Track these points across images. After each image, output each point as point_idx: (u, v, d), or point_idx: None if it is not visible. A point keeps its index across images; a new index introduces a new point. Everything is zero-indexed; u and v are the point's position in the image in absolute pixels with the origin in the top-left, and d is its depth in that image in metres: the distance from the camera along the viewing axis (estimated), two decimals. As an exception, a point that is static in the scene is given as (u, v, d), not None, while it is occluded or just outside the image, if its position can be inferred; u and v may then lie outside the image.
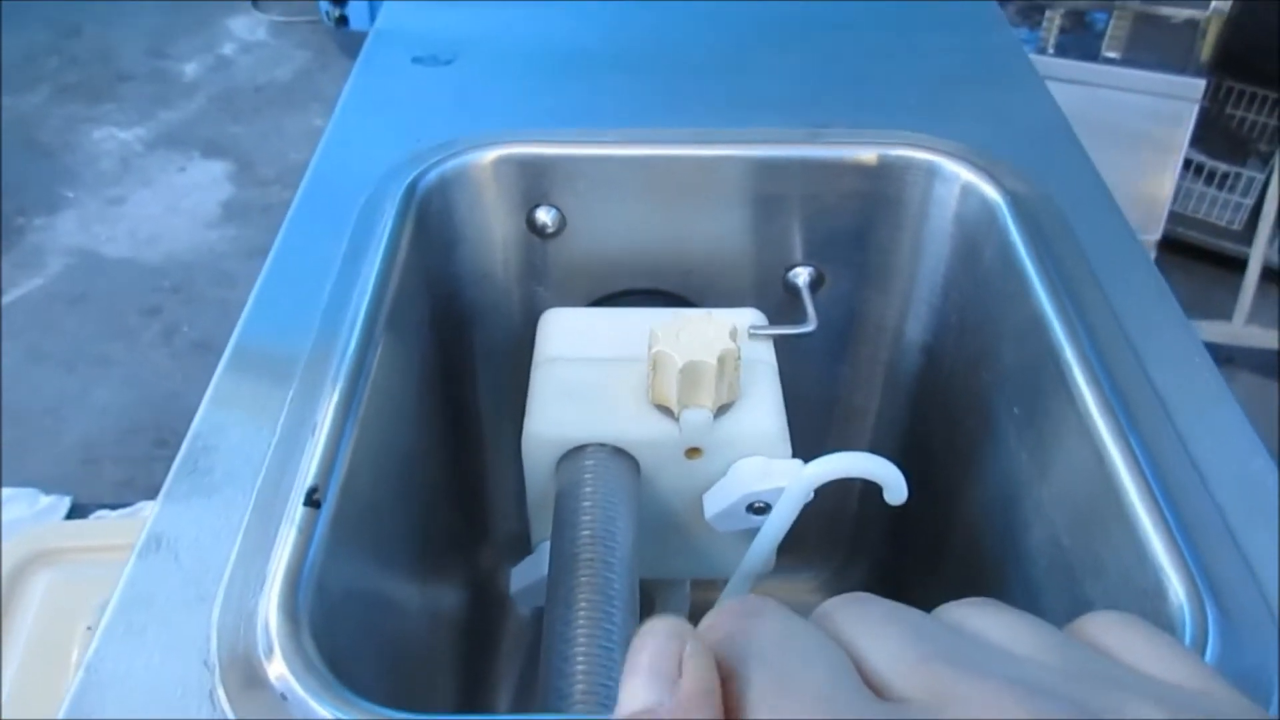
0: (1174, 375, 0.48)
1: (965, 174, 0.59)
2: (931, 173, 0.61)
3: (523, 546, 0.57)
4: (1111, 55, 1.85)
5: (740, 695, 0.19)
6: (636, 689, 0.19)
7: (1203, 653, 0.36)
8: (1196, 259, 2.05)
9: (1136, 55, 1.82)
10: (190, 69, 2.80)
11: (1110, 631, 0.22)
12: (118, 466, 1.67)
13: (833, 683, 0.19)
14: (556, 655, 0.43)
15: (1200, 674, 0.20)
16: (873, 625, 0.21)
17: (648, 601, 0.63)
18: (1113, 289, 0.52)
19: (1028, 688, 0.19)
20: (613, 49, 0.74)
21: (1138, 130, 1.80)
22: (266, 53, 2.89)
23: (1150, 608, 0.39)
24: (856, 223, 0.63)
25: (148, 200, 2.33)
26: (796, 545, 0.74)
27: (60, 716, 0.35)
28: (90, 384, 1.83)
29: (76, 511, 1.39)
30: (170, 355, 1.86)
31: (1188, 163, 1.95)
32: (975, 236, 0.59)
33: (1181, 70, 1.78)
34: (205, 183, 2.39)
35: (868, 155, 0.61)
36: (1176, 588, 0.38)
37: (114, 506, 1.33)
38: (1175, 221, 1.98)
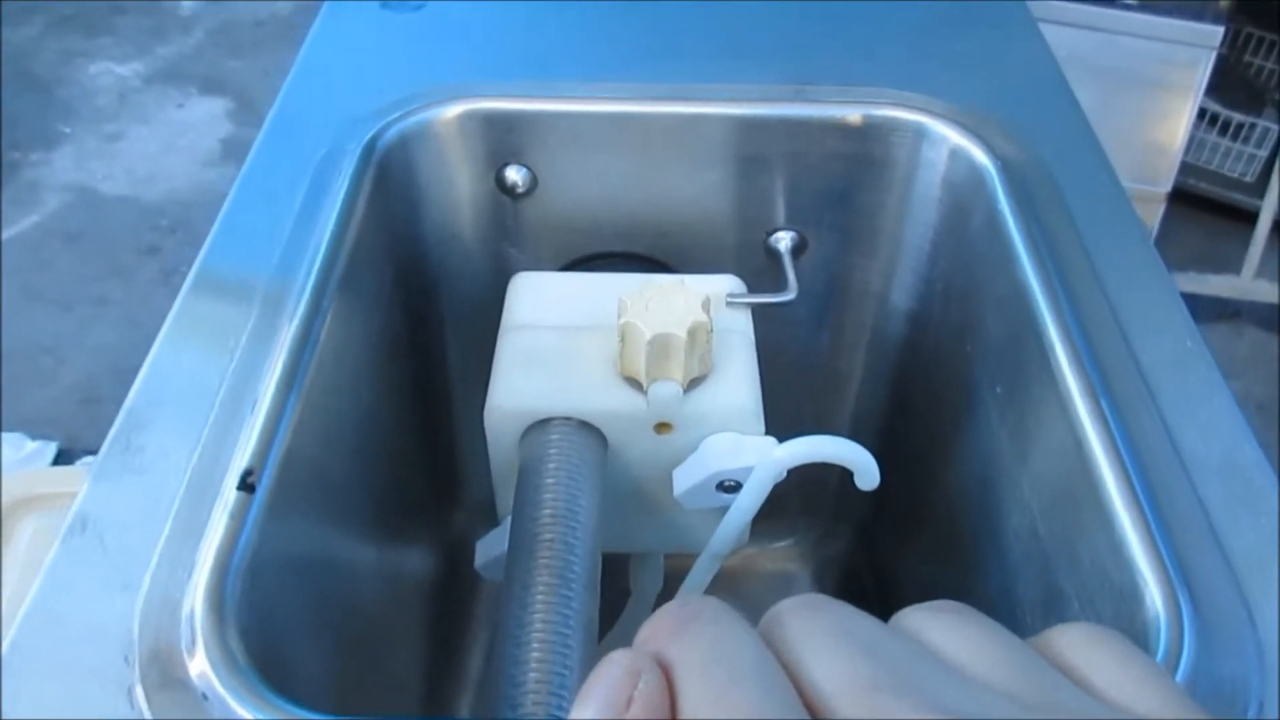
0: (1163, 357, 0.45)
1: (954, 136, 0.56)
2: (919, 134, 0.58)
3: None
4: (1128, 0, 1.80)
5: (683, 708, 0.19)
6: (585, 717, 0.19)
7: (1177, 663, 0.34)
8: (1207, 211, 2.02)
9: (1153, 1, 1.77)
10: (188, 3, 2.75)
11: (1080, 650, 0.20)
12: (115, 407, 1.65)
13: (763, 704, 0.18)
14: (510, 640, 0.42)
15: (1173, 703, 0.19)
16: (820, 639, 0.20)
17: (623, 570, 0.62)
18: (1103, 262, 0.49)
19: None
20: (590, -4, 0.70)
21: (1152, 78, 1.76)
22: (266, -14, 2.84)
23: (1125, 610, 0.37)
24: (841, 185, 0.61)
25: (145, 137, 2.30)
26: (779, 514, 0.73)
27: (-26, 710, 0.34)
28: (87, 323, 1.82)
29: (63, 457, 1.38)
30: (168, 295, 1.82)
31: (1202, 112, 1.90)
32: (963, 202, 0.56)
33: (1199, 16, 1.73)
34: (204, 120, 2.36)
35: (853, 115, 0.58)
36: (1153, 591, 0.36)
37: (101, 453, 1.32)
38: (1187, 173, 1.94)
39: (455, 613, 0.70)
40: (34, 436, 1.41)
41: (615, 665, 0.20)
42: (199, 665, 0.34)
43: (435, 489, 0.69)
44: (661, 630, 0.21)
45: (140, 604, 0.36)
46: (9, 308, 1.82)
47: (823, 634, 0.20)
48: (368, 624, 0.54)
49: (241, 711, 0.32)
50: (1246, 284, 1.82)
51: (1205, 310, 1.84)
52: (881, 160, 0.59)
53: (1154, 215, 1.84)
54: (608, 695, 0.19)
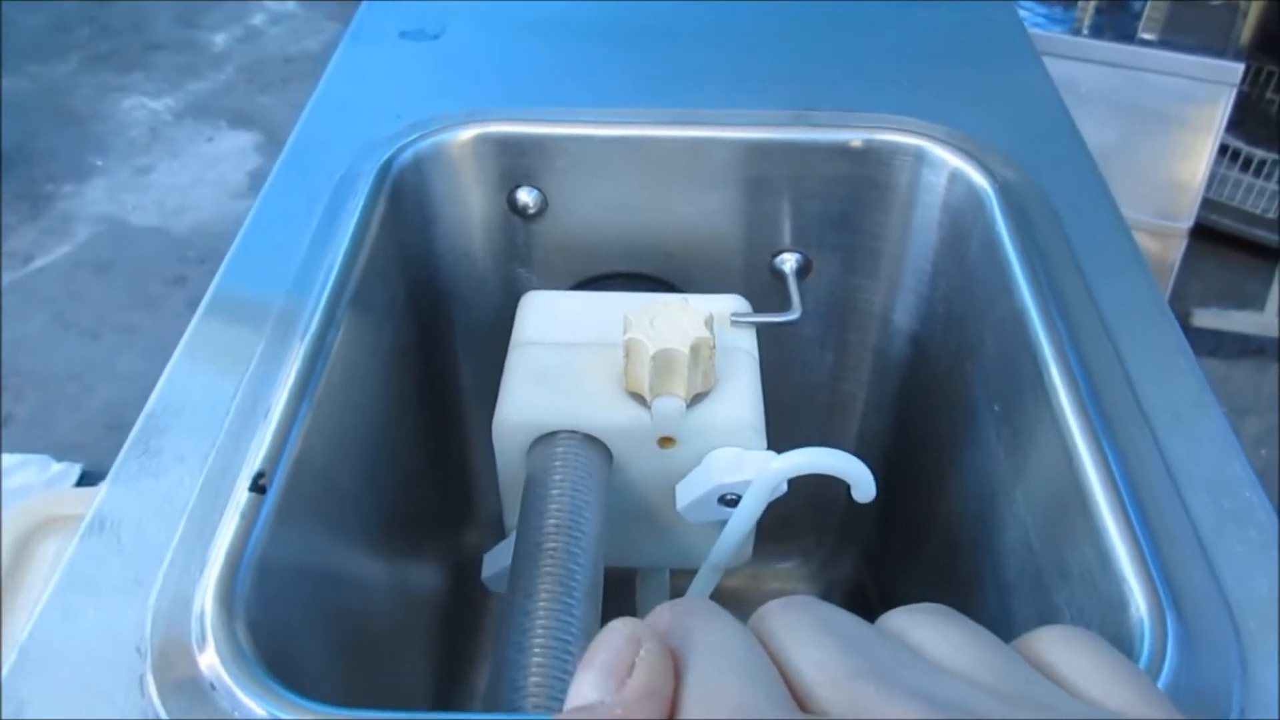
0: (1156, 376, 0.46)
1: (953, 160, 0.58)
2: (919, 158, 0.59)
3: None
4: (1148, 37, 1.80)
5: (677, 697, 0.20)
6: (586, 685, 0.20)
7: (1159, 669, 0.34)
8: (1230, 247, 2.01)
9: (1173, 37, 1.77)
10: (220, 39, 2.81)
11: (1058, 649, 0.21)
12: (140, 434, 1.68)
13: (751, 692, 0.19)
14: (512, 647, 0.43)
15: (1144, 698, 0.20)
16: (805, 633, 0.21)
17: (629, 587, 0.63)
18: (1099, 285, 0.50)
19: (945, 709, 0.18)
20: (600, 24, 0.72)
21: (1173, 114, 1.76)
22: (296, 24, 2.89)
23: (1112, 619, 0.38)
24: (844, 208, 0.62)
25: (176, 170, 2.34)
26: (786, 534, 0.74)
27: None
28: (115, 352, 1.84)
29: (87, 479, 1.40)
30: (194, 325, 1.87)
31: (1224, 148, 1.90)
32: (962, 225, 0.58)
33: (1220, 53, 1.73)
34: (233, 153, 2.40)
35: (855, 139, 0.60)
36: (1138, 600, 0.37)
37: (125, 475, 1.33)
38: (1209, 209, 1.94)
39: (465, 629, 0.71)
40: (59, 459, 1.43)
41: (617, 633, 0.20)
42: (207, 657, 0.35)
43: (447, 506, 0.71)
44: (659, 625, 0.21)
45: (153, 598, 0.37)
46: (40, 335, 1.86)
47: (807, 629, 0.21)
48: (377, 635, 0.55)
49: (247, 701, 0.34)
50: (1270, 320, 1.81)
51: (1229, 347, 1.83)
52: (883, 184, 0.61)
53: (1176, 251, 1.84)
54: (609, 661, 0.20)
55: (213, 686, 0.34)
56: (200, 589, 0.37)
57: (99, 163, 2.35)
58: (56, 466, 1.40)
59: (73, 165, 2.32)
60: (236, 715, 0.34)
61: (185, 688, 0.34)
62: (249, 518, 0.39)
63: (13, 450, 1.44)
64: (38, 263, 2.04)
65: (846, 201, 0.62)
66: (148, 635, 0.36)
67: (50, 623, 0.37)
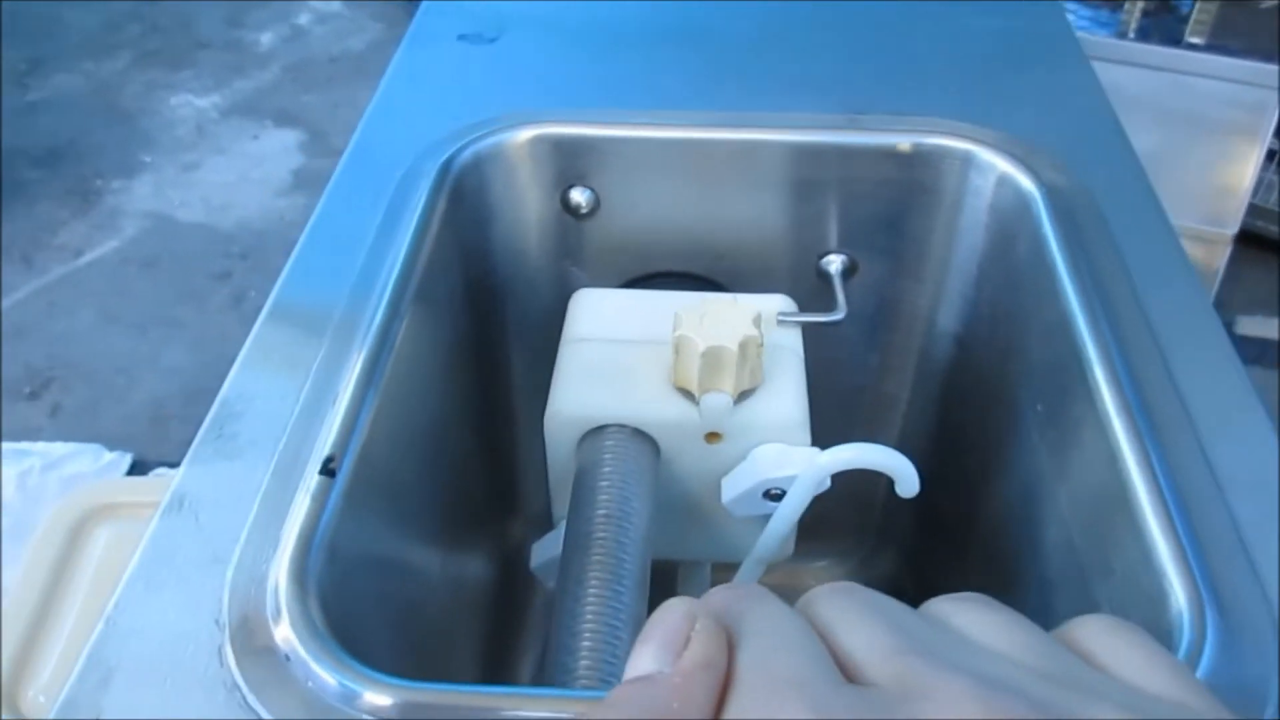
0: (1202, 381, 0.47)
1: (1001, 164, 0.58)
2: (967, 162, 0.60)
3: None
4: (1195, 41, 1.79)
5: (731, 672, 0.20)
6: (644, 657, 0.21)
7: (1198, 662, 0.35)
8: (1275, 253, 1.99)
9: (1221, 41, 1.76)
10: (266, 38, 2.84)
11: (1096, 637, 0.22)
12: (184, 426, 1.71)
13: (805, 666, 0.20)
14: (564, 631, 0.44)
15: (1182, 684, 0.21)
16: (853, 615, 0.22)
17: (670, 580, 0.64)
18: (1146, 288, 0.51)
19: (992, 685, 0.19)
20: (654, 28, 0.74)
21: (1219, 119, 1.74)
22: (341, 24, 2.93)
23: (1152, 614, 0.38)
24: (891, 210, 0.63)
25: (221, 167, 2.37)
26: (825, 532, 0.75)
27: (80, 665, 0.37)
28: (160, 345, 1.87)
29: (138, 468, 1.44)
30: (238, 320, 1.90)
31: (1271, 154, 1.88)
32: (1009, 228, 0.58)
33: (1267, 57, 1.72)
34: (277, 151, 2.43)
35: (903, 142, 0.61)
36: (1178, 594, 0.38)
37: (174, 465, 1.36)
38: (1254, 214, 1.91)
39: (510, 616, 0.73)
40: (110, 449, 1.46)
41: (673, 610, 0.21)
42: (282, 630, 0.37)
43: (494, 498, 0.72)
44: (713, 605, 0.22)
45: (230, 574, 0.39)
46: (87, 329, 1.89)
47: (855, 612, 0.22)
48: (429, 620, 0.57)
49: (320, 671, 0.35)
50: (1316, 328, 1.79)
51: (1273, 355, 1.81)
52: (931, 187, 0.62)
53: (1220, 257, 1.82)
54: (666, 635, 0.21)
55: (287, 658, 0.36)
56: (275, 566, 0.38)
57: (147, 159, 2.39)
58: (108, 456, 1.43)
59: (122, 161, 2.36)
60: (310, 685, 0.35)
61: (262, 658, 0.36)
62: (319, 500, 0.41)
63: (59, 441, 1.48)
64: (86, 257, 2.08)
65: (893, 204, 0.63)
66: (225, 608, 0.38)
67: (134, 595, 0.39)
